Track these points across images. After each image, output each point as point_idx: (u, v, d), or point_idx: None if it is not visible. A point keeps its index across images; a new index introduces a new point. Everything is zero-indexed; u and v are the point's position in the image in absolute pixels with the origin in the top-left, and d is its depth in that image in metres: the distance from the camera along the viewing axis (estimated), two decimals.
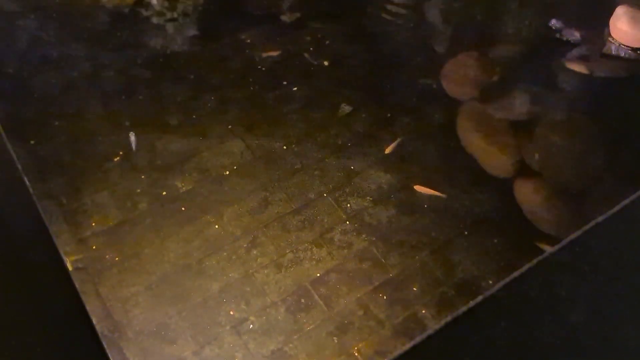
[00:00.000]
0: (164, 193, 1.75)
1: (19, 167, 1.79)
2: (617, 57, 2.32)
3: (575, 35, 2.37)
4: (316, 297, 1.52)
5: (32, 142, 1.88)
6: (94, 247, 1.60)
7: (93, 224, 1.66)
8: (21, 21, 2.38)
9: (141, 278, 1.54)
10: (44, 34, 2.33)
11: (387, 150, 1.89)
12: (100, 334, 1.42)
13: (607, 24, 2.39)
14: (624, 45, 2.32)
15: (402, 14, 2.52)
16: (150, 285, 1.53)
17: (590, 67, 2.28)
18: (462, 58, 2.32)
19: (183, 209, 1.71)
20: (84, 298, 1.48)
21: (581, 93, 2.22)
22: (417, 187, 1.79)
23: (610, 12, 2.40)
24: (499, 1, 2.64)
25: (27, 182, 1.75)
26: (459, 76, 2.23)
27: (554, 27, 2.42)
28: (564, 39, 2.38)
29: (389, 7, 2.56)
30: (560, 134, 2.03)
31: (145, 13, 2.46)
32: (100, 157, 1.85)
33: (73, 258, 1.57)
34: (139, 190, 1.75)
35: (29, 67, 2.18)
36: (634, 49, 2.30)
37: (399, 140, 1.91)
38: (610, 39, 2.35)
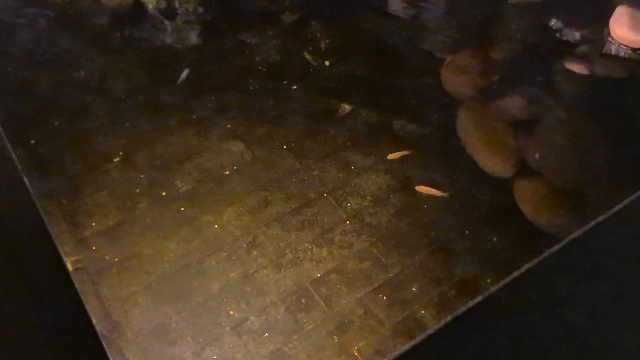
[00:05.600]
0: (164, 193, 1.75)
1: (19, 166, 1.79)
2: (617, 57, 2.32)
3: (575, 35, 2.37)
4: (316, 297, 1.51)
5: (32, 141, 1.88)
6: (93, 248, 1.60)
7: (93, 224, 1.65)
8: (21, 21, 2.38)
9: (141, 278, 1.54)
10: (44, 34, 2.33)
11: (390, 157, 1.88)
12: (99, 334, 1.41)
13: (607, 24, 2.39)
14: (624, 45, 2.32)
15: (402, 13, 2.52)
16: (149, 285, 1.52)
17: (590, 67, 2.28)
18: (462, 58, 2.32)
19: (183, 209, 1.71)
20: (83, 298, 1.48)
21: (581, 93, 2.22)
22: (419, 188, 1.79)
23: (610, 13, 2.40)
24: (499, 1, 2.63)
25: (27, 182, 1.75)
26: (459, 76, 2.23)
27: (554, 27, 2.42)
28: (564, 39, 2.38)
29: (389, 6, 2.56)
30: (560, 133, 2.03)
31: (144, 13, 2.46)
32: (100, 157, 1.85)
33: (73, 258, 1.57)
34: (138, 191, 1.75)
35: (29, 66, 2.18)
36: (634, 49, 2.30)
37: (406, 152, 1.90)
38: (610, 39, 2.35)
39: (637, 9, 2.35)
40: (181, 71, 2.16)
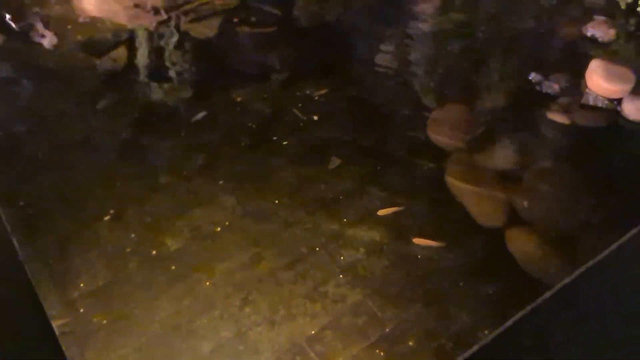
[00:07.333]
0: (154, 252, 1.73)
1: (8, 229, 1.77)
2: (595, 107, 2.41)
3: (554, 87, 2.47)
4: (312, 354, 1.48)
5: (21, 203, 1.87)
6: (81, 310, 1.56)
7: (81, 285, 1.62)
8: (15, 83, 2.42)
9: (130, 340, 1.49)
10: (36, 95, 2.37)
11: (381, 213, 1.89)
12: None
13: (583, 77, 2.49)
14: (601, 96, 2.40)
15: (389, 68, 2.61)
16: (139, 347, 1.48)
17: (571, 117, 2.35)
18: (447, 110, 2.39)
19: (173, 267, 1.69)
20: None
21: (564, 142, 2.29)
22: (416, 240, 1.78)
23: (585, 65, 2.50)
24: (482, 56, 2.75)
25: (16, 244, 1.72)
26: (446, 128, 2.29)
27: (533, 81, 2.51)
28: (544, 91, 2.47)
29: (377, 61, 2.65)
30: (547, 182, 2.06)
31: (137, 74, 2.52)
32: (90, 216, 1.83)
33: (60, 322, 1.52)
34: (128, 250, 1.73)
35: (21, 127, 2.19)
36: (610, 100, 2.39)
37: (398, 209, 1.90)
38: (587, 90, 2.45)
39: (609, 62, 2.46)
40: (198, 111, 2.26)
